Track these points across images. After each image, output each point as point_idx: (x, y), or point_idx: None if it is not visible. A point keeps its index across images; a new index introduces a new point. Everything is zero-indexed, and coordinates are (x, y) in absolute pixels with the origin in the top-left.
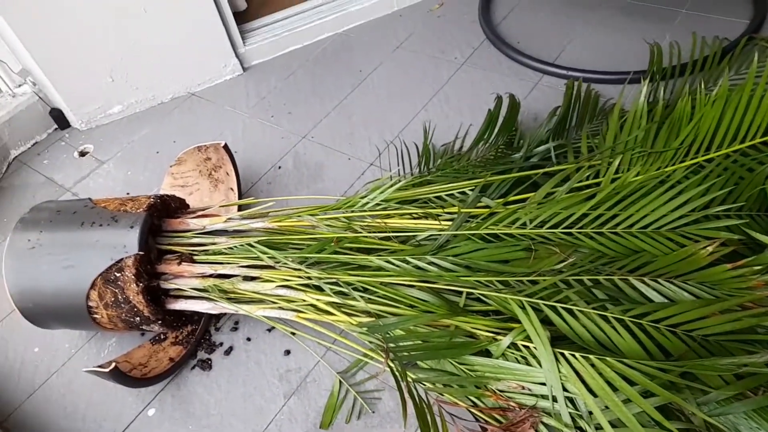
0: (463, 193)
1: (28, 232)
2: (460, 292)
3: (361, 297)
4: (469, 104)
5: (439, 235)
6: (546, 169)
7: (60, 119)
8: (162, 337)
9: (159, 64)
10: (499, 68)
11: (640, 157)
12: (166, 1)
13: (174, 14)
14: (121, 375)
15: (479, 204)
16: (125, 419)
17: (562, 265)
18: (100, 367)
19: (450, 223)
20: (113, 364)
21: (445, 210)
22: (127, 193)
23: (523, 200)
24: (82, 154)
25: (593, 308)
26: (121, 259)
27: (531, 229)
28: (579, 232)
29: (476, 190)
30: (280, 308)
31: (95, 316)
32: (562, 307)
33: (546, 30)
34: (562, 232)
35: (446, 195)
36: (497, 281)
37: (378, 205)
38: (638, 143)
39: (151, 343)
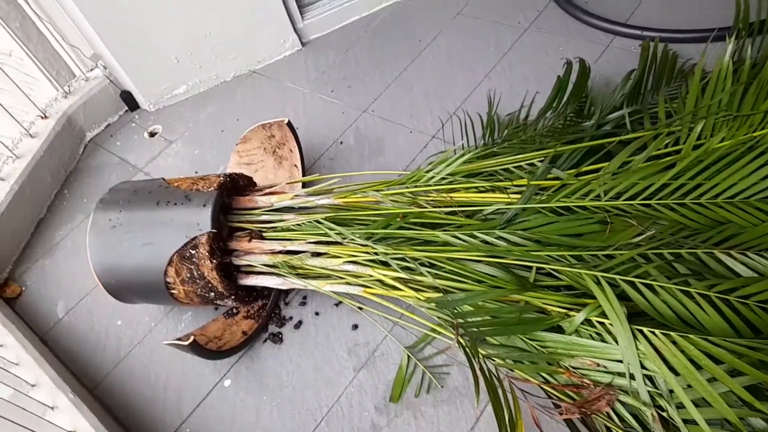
0: (532, 164)
1: (109, 212)
2: (530, 267)
3: (429, 272)
4: (534, 71)
5: (508, 208)
6: (621, 138)
7: (130, 101)
8: (234, 311)
9: (221, 43)
10: (566, 31)
11: (725, 122)
12: None
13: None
14: (199, 347)
15: (549, 176)
16: (204, 389)
17: (640, 238)
18: (179, 340)
19: (518, 196)
20: (192, 338)
21: (513, 183)
22: (196, 172)
23: (597, 171)
24: (152, 134)
25: (675, 284)
26: (195, 237)
27: (606, 201)
28: (659, 204)
29: (546, 161)
30: (348, 283)
31: (173, 291)
32: (641, 283)
33: None
34: (640, 204)
35: (514, 167)
36: (570, 256)
37: (443, 179)
38: (722, 107)
39: (225, 317)
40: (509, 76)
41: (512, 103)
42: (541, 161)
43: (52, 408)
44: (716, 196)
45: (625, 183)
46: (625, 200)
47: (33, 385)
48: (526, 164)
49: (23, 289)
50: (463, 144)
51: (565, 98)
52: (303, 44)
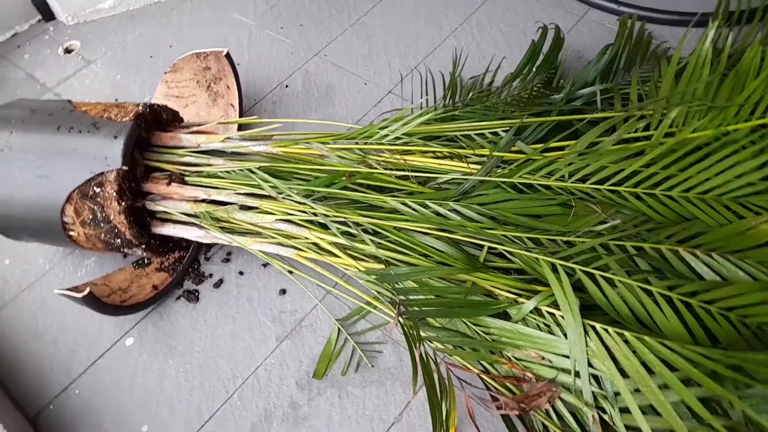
0: (495, 134)
1: None
2: (482, 246)
3: (371, 240)
4: (503, 34)
5: (465, 179)
6: (590, 116)
7: (44, 9)
8: (146, 261)
9: None
10: None
11: (698, 112)
12: None
13: None
14: (95, 301)
15: (513, 148)
16: (101, 347)
17: (602, 227)
18: (73, 289)
19: (478, 167)
20: (88, 289)
21: (475, 152)
22: (116, 99)
23: (562, 149)
24: (68, 51)
25: (635, 280)
26: (102, 173)
27: (571, 182)
28: (627, 191)
29: (510, 131)
30: (279, 244)
31: (71, 233)
32: (600, 275)
33: None
34: (607, 190)
35: (475, 134)
36: (527, 238)
37: (398, 138)
38: (698, 96)
39: (134, 266)
40: (476, 36)
41: (477, 65)
42: (505, 131)
43: None
44: (687, 190)
45: (593, 165)
46: (592, 184)
47: None
48: (489, 133)
49: None
50: (421, 104)
51: (535, 67)
52: None
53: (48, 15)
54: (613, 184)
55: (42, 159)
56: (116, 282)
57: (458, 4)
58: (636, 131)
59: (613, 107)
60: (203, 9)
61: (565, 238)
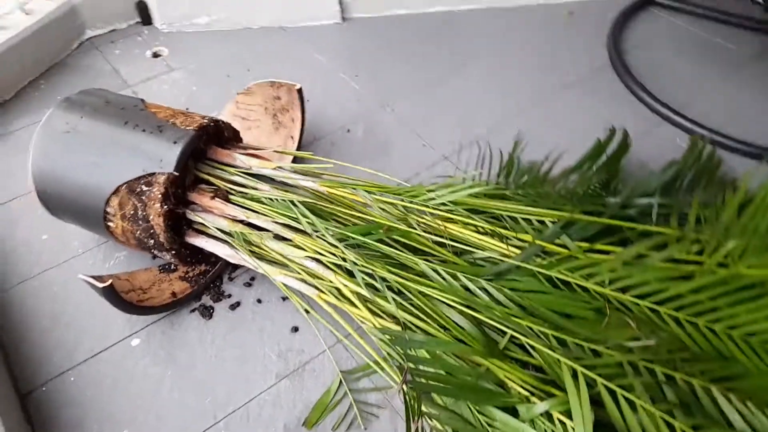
0: (542, 222)
1: (69, 114)
2: (504, 333)
3: (393, 299)
4: (571, 126)
5: (502, 260)
6: (644, 227)
7: (144, 13)
8: (172, 267)
9: None
10: (614, 99)
11: (757, 249)
12: None
13: None
14: (114, 295)
15: (557, 241)
16: (107, 341)
17: (635, 344)
18: (97, 278)
19: (517, 251)
20: (110, 281)
21: (517, 235)
22: (186, 108)
23: (608, 253)
24: (156, 55)
25: (659, 409)
26: (154, 174)
27: (611, 289)
28: (668, 313)
29: (558, 224)
30: (302, 280)
31: (110, 223)
32: (623, 395)
33: (678, 74)
34: (647, 307)
35: (522, 218)
36: (553, 335)
37: (443, 204)
38: (759, 233)
39: (159, 270)
40: (544, 123)
41: (539, 151)
42: (552, 222)
43: None
44: (732, 327)
45: (636, 278)
46: (632, 296)
47: None
48: (536, 220)
49: None
50: (474, 176)
51: (596, 165)
52: (344, 19)
53: (146, 19)
54: (654, 302)
55: (102, 148)
56: (139, 281)
57: (530, 89)
58: (688, 253)
59: (669, 224)
60: (288, 43)
61: (592, 346)
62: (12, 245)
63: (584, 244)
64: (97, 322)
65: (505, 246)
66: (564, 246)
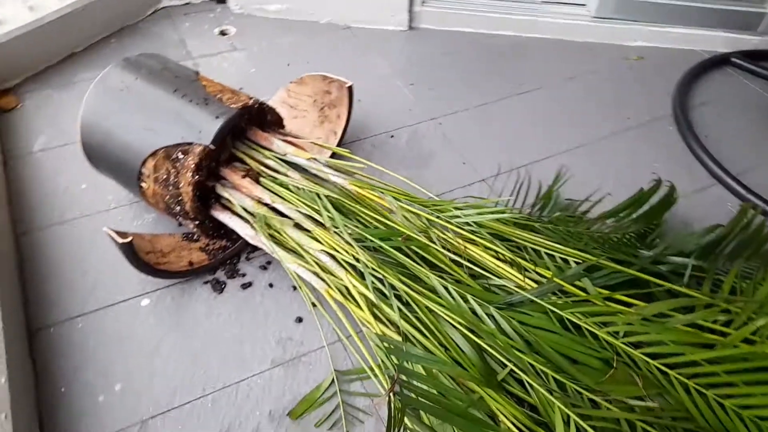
0: (566, 261)
1: (126, 74)
2: (504, 365)
3: (399, 308)
4: (616, 171)
5: (516, 291)
6: (673, 286)
7: None
8: (194, 237)
9: None
10: (669, 151)
11: None
12: None
13: None
14: (132, 253)
15: (577, 282)
16: (118, 296)
17: (637, 403)
18: (120, 234)
19: (534, 285)
20: (130, 239)
21: (537, 268)
22: (240, 89)
23: (628, 305)
24: (223, 33)
25: None
26: (191, 143)
27: (623, 342)
28: (678, 378)
29: (582, 266)
30: (314, 273)
31: (142, 184)
32: None
33: (742, 138)
34: (657, 367)
35: (546, 252)
36: (553, 377)
37: (468, 224)
38: None
39: (182, 237)
40: (589, 163)
41: (578, 190)
42: (577, 263)
43: None
44: (745, 407)
45: (652, 336)
46: (643, 353)
47: None
48: (560, 257)
49: (19, 105)
50: (508, 202)
51: (635, 215)
52: (410, 27)
53: None
54: (666, 364)
55: (149, 111)
56: (161, 244)
57: (584, 127)
58: (714, 322)
59: (700, 288)
60: (351, 42)
61: (592, 396)
62: (52, 188)
63: (605, 292)
64: (113, 276)
65: (522, 277)
66: (584, 289)
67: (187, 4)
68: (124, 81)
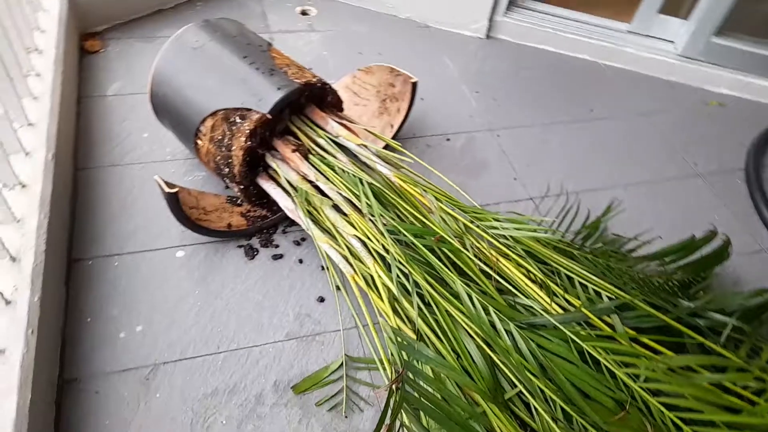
0: (598, 294)
1: (202, 34)
2: (515, 385)
3: (419, 306)
4: (672, 215)
5: (541, 313)
6: (708, 342)
7: None
8: (237, 202)
9: None
10: (733, 206)
11: None
12: None
13: None
14: (176, 204)
15: (605, 317)
16: (157, 243)
17: None
18: (169, 184)
19: (560, 311)
20: (176, 190)
21: (566, 295)
22: (310, 68)
23: (655, 351)
24: (304, 13)
25: None
26: (250, 110)
27: (641, 386)
28: None
29: (614, 302)
30: (343, 256)
31: (198, 141)
32: None
33: None
34: (672, 420)
35: (579, 281)
36: (561, 407)
37: (504, 238)
38: None
39: (227, 199)
40: (645, 202)
41: (629, 227)
42: (610, 298)
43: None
44: None
45: (675, 387)
46: (661, 401)
47: (31, 124)
48: (593, 289)
49: (102, 50)
50: (552, 224)
51: (682, 262)
52: (488, 36)
53: None
54: (682, 418)
55: (217, 72)
56: (205, 202)
57: (644, 164)
58: (745, 388)
59: (737, 351)
60: (426, 41)
61: None
62: (117, 132)
63: (633, 333)
64: (155, 224)
65: (549, 300)
66: (611, 326)
67: None
68: (199, 40)
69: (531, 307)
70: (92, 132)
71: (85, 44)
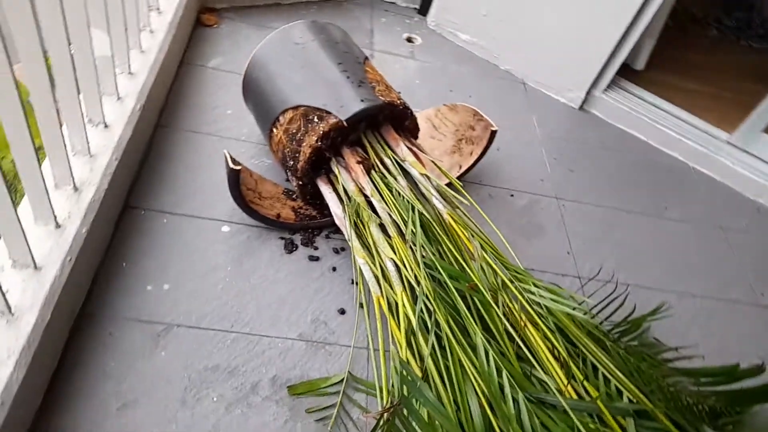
0: (619, 392)
1: (308, 32)
2: None
3: (433, 346)
4: (723, 339)
5: (554, 391)
6: None
7: (425, 4)
8: (293, 196)
9: (533, 40)
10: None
11: None
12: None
13: (581, 17)
14: (235, 181)
15: (619, 417)
16: (207, 213)
17: None
18: (234, 161)
19: (574, 395)
20: (239, 168)
21: (586, 383)
22: (399, 92)
23: None
24: (409, 40)
25: None
26: (330, 113)
27: None
28: None
29: (634, 406)
30: (375, 276)
31: (273, 129)
32: None
33: None
34: None
35: (603, 372)
36: None
37: (538, 305)
38: None
39: (283, 191)
40: (696, 316)
41: (672, 335)
42: (631, 401)
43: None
44: None
45: None
46: None
47: (131, 73)
48: (616, 386)
49: (215, 25)
50: (592, 309)
51: (720, 388)
52: (581, 108)
53: (424, 10)
54: None
55: (311, 70)
56: (263, 187)
57: (708, 280)
58: None
59: None
60: (519, 95)
61: None
62: (204, 102)
63: None
64: (212, 194)
65: (566, 382)
66: (623, 429)
67: (392, 3)
68: (303, 37)
69: (546, 383)
70: (183, 96)
71: (203, 17)
